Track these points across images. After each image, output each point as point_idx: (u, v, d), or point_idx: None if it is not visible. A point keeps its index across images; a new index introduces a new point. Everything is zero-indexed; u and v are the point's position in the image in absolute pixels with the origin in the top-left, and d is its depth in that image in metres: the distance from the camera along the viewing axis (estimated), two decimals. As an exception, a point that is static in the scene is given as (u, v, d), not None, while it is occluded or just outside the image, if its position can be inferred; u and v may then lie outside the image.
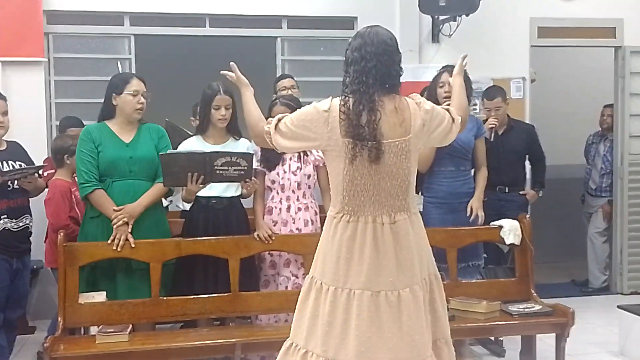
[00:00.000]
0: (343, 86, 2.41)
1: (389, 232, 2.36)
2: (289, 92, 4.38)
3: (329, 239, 2.41)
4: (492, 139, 4.58)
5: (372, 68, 2.34)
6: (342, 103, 2.35)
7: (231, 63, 2.85)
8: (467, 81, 4.16)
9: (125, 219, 3.37)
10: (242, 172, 3.36)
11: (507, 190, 4.74)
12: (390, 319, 2.32)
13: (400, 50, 2.45)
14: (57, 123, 5.15)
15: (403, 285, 2.35)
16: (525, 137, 4.87)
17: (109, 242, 3.36)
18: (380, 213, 2.36)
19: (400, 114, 2.37)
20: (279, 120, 2.46)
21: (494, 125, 4.60)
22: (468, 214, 3.95)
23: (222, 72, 2.92)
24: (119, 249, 3.36)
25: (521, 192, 4.85)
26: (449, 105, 2.70)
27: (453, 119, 2.54)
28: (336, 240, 2.38)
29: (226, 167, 3.34)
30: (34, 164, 3.75)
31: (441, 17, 5.47)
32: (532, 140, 4.94)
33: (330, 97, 2.41)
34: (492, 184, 4.64)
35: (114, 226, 3.36)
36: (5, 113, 3.59)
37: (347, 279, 2.35)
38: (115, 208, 3.37)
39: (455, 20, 5.37)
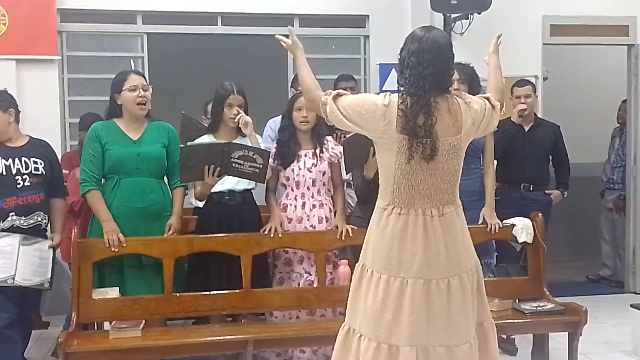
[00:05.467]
0: (398, 85, 2.48)
1: (438, 224, 2.45)
2: None
3: (380, 230, 2.48)
4: (517, 122, 4.55)
5: (429, 75, 2.40)
6: (401, 100, 2.41)
7: (289, 27, 2.86)
8: (475, 77, 4.17)
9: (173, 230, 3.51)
10: (257, 170, 3.38)
11: (531, 189, 4.64)
12: (440, 305, 2.43)
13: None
14: (72, 120, 5.20)
15: (452, 274, 2.46)
16: (552, 135, 4.78)
17: (106, 245, 3.38)
18: (429, 206, 2.45)
19: (453, 115, 2.45)
20: (339, 95, 2.51)
21: (524, 108, 4.54)
22: (480, 222, 3.88)
23: (276, 36, 2.87)
24: (115, 250, 3.38)
25: (547, 192, 4.73)
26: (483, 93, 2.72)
27: (493, 106, 2.59)
28: (388, 232, 2.46)
29: (242, 162, 3.38)
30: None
31: (453, 15, 5.44)
32: (558, 139, 4.83)
33: (388, 92, 2.47)
34: (516, 181, 4.61)
35: (105, 232, 3.39)
36: None
37: (399, 268, 2.44)
38: (159, 237, 3.49)
39: (467, 19, 5.34)
